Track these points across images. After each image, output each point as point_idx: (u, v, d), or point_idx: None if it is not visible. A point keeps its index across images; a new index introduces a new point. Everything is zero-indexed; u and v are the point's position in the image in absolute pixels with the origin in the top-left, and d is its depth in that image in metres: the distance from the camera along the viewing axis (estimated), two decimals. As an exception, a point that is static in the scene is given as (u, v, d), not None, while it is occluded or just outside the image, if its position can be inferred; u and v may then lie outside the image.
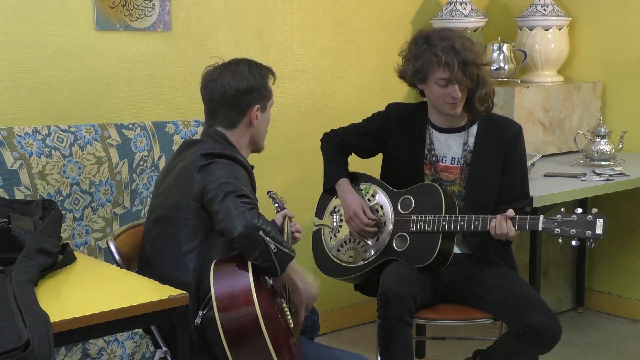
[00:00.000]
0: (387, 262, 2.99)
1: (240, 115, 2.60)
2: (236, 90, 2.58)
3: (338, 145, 3.21)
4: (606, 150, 3.95)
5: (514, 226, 2.82)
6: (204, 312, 2.38)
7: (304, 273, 2.54)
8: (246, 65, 2.61)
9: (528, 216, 2.84)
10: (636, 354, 3.99)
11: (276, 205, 2.78)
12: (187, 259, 2.47)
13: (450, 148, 3.06)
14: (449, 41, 2.88)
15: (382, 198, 3.10)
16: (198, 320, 2.39)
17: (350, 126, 3.23)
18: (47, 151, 3.07)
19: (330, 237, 3.18)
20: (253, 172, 2.60)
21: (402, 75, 3.05)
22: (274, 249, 2.31)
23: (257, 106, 2.60)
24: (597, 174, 3.73)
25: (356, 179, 3.20)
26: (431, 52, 2.89)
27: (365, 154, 3.25)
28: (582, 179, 3.68)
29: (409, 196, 3.04)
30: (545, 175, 3.75)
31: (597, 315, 4.49)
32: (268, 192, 2.81)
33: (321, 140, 3.26)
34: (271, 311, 2.33)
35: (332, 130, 3.26)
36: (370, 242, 3.08)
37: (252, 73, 2.60)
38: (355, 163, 3.28)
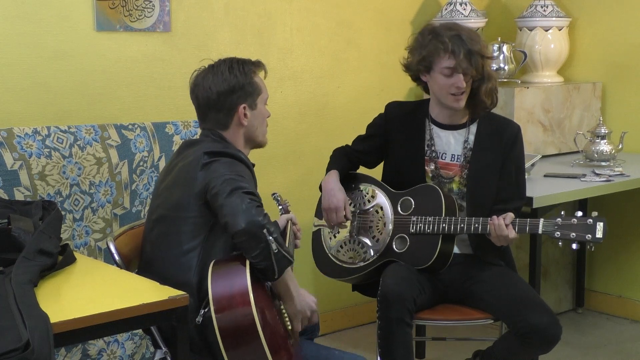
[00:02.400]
0: (386, 263, 2.99)
1: (228, 117, 2.58)
2: (217, 93, 2.56)
3: (346, 153, 3.22)
4: (606, 151, 3.95)
5: (514, 229, 2.82)
6: (205, 310, 2.38)
7: (298, 287, 2.50)
8: (227, 66, 2.58)
9: (528, 219, 2.84)
10: (636, 355, 3.99)
11: (280, 207, 2.78)
12: (189, 258, 2.46)
13: (450, 145, 3.07)
14: (455, 31, 2.92)
15: (381, 199, 3.10)
16: (199, 319, 2.39)
17: (356, 137, 3.25)
18: (47, 152, 3.07)
19: (330, 238, 3.18)
20: (254, 170, 2.60)
21: (408, 66, 3.05)
22: (275, 249, 2.31)
23: (244, 105, 2.58)
24: (597, 175, 3.73)
25: (356, 179, 3.20)
26: (438, 41, 2.92)
27: (372, 158, 3.23)
28: (582, 179, 3.67)
29: (409, 197, 3.04)
30: (545, 176, 3.75)
31: (597, 315, 4.49)
32: (273, 195, 2.81)
33: (333, 150, 3.25)
34: (269, 313, 2.33)
35: (345, 144, 3.27)
36: (370, 243, 3.08)
37: (233, 73, 2.57)
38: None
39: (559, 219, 2.79)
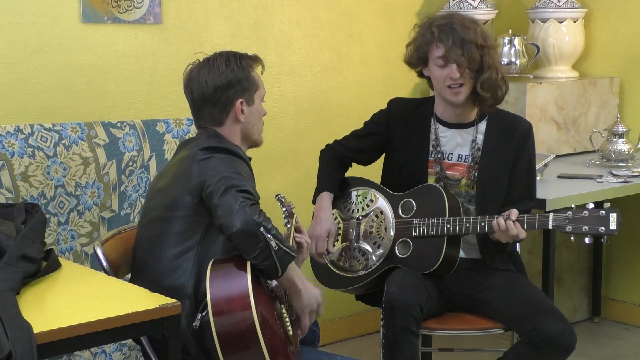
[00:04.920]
0: (389, 270, 2.99)
1: (224, 113, 2.60)
2: (214, 88, 2.58)
3: (336, 157, 3.21)
4: (624, 150, 3.95)
5: (523, 227, 2.83)
6: (203, 314, 2.38)
7: (305, 278, 2.53)
8: (224, 59, 2.60)
9: (537, 214, 2.85)
10: (656, 367, 3.99)
11: (284, 209, 2.80)
12: (184, 259, 2.47)
13: (457, 144, 3.07)
14: (448, 20, 2.95)
15: (381, 203, 3.10)
16: (197, 323, 2.39)
17: (350, 133, 3.25)
18: (30, 151, 3.07)
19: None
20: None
21: (407, 62, 3.07)
22: (275, 246, 2.32)
23: (240, 100, 2.60)
24: (615, 175, 3.73)
25: (353, 183, 3.19)
26: (429, 31, 2.95)
27: (368, 157, 3.24)
28: (598, 180, 3.68)
29: (410, 199, 3.04)
30: (559, 177, 3.75)
31: (615, 325, 4.49)
32: (276, 196, 2.83)
33: (320, 152, 3.26)
34: (269, 317, 2.34)
35: (334, 141, 3.26)
36: (371, 250, 3.08)
37: (230, 67, 2.59)
38: (356, 166, 3.28)
39: (570, 213, 2.80)
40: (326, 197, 3.14)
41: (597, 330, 4.43)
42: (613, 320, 4.53)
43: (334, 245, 3.13)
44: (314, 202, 3.20)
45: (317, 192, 3.17)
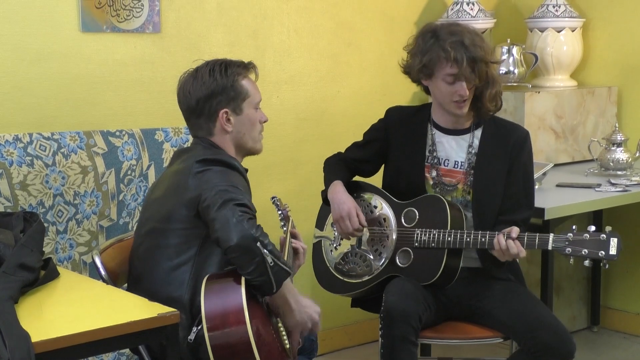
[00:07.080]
0: (389, 278, 2.99)
1: (210, 123, 2.59)
2: (196, 99, 2.57)
3: (342, 160, 3.22)
4: (622, 159, 3.95)
5: (523, 245, 2.82)
6: (198, 328, 2.38)
7: (300, 295, 2.51)
8: (208, 69, 2.59)
9: (537, 234, 2.84)
10: (655, 376, 3.99)
11: (280, 212, 2.79)
12: (180, 272, 2.47)
13: (453, 150, 3.07)
14: (458, 36, 2.92)
15: (385, 210, 3.10)
16: (192, 337, 2.39)
17: (351, 144, 3.27)
18: (29, 160, 3.07)
19: (331, 250, 3.19)
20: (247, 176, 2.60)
21: (408, 70, 3.06)
22: (271, 262, 2.31)
23: (225, 110, 2.58)
24: (613, 184, 3.73)
25: (358, 188, 3.19)
26: (439, 47, 2.92)
27: (369, 167, 3.24)
28: (596, 189, 3.68)
29: (413, 209, 3.04)
30: (557, 186, 3.75)
31: (613, 334, 4.48)
32: (272, 198, 2.82)
33: (325, 160, 3.26)
34: (265, 331, 2.33)
35: (337, 152, 3.27)
36: (372, 257, 3.08)
37: (213, 76, 2.56)
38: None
39: (570, 234, 2.78)
40: (338, 184, 3.13)
41: (596, 339, 4.43)
42: (612, 329, 4.53)
43: (340, 244, 3.13)
44: (323, 197, 3.17)
45: (327, 184, 3.16)
